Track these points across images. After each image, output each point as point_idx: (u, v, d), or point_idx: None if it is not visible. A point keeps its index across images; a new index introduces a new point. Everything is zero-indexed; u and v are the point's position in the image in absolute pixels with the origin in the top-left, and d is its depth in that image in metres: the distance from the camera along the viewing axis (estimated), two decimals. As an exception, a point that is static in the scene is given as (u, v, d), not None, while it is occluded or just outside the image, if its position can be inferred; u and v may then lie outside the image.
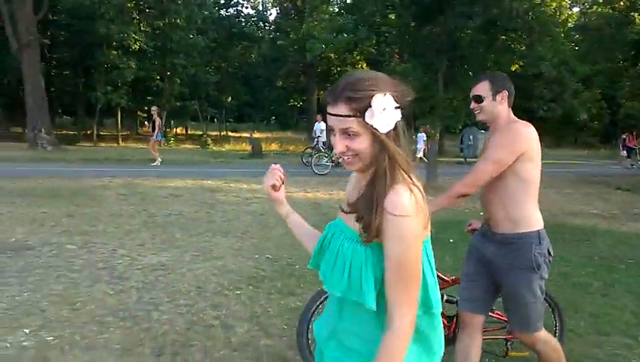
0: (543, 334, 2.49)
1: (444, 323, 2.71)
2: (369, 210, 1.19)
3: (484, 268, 2.49)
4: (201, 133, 31.62)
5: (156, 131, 14.22)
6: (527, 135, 2.31)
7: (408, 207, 1.17)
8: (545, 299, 2.72)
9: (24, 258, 4.80)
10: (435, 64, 9.40)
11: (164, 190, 9.46)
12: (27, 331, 3.27)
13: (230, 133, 35.42)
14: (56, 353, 3.01)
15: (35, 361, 2.91)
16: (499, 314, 2.91)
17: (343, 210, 1.31)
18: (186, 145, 25.08)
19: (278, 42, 36.41)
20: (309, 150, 16.90)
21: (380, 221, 1.18)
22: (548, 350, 2.49)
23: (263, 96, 41.39)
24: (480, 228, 2.59)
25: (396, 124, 1.21)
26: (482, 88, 2.43)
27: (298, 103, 40.31)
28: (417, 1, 9.33)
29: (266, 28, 38.94)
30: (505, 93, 2.42)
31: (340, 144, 1.22)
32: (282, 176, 1.53)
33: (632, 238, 7.39)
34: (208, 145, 23.34)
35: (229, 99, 34.30)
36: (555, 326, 3.02)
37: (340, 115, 1.20)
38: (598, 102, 28.88)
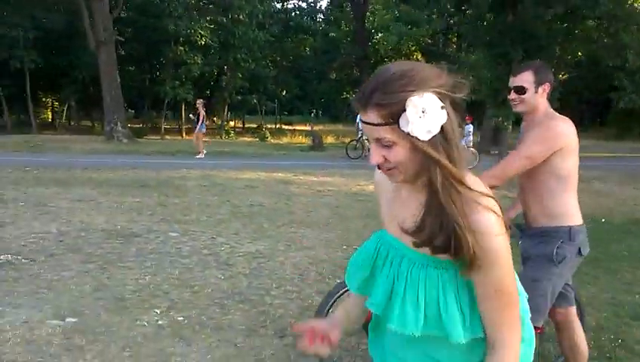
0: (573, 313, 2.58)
1: None
2: (448, 233, 1.01)
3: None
4: (255, 125, 32.34)
5: (199, 123, 14.34)
6: (565, 130, 2.27)
7: (495, 225, 1.02)
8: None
9: (134, 244, 5.20)
10: (510, 54, 9.27)
11: (240, 182, 9.83)
12: (158, 311, 3.58)
13: (284, 126, 35.95)
14: (189, 332, 3.29)
15: (172, 338, 3.20)
16: None
17: (405, 231, 1.08)
18: (244, 138, 25.70)
19: (330, 34, 36.75)
20: (353, 143, 16.66)
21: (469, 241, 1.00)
22: (579, 340, 2.59)
23: (314, 89, 41.77)
24: (520, 224, 2.57)
25: (443, 126, 0.99)
26: (526, 79, 2.35)
27: (351, 96, 40.29)
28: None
29: (319, 20, 39.12)
30: (547, 85, 2.36)
31: (375, 154, 1.05)
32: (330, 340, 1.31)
33: None
34: (266, 137, 23.85)
35: (284, 92, 34.82)
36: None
37: (371, 124, 1.01)
38: None
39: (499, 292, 1.05)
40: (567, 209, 2.33)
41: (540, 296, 2.30)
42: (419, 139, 0.98)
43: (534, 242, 2.39)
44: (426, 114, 0.98)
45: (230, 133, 25.35)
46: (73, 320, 3.36)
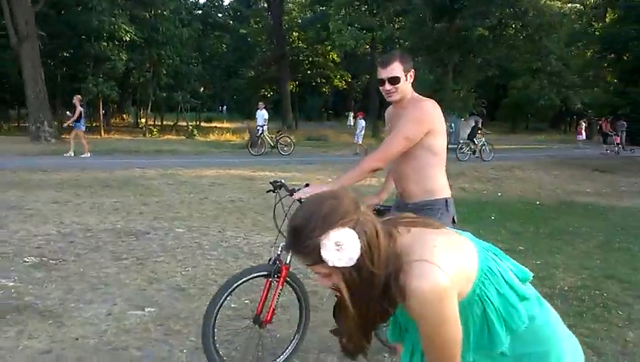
0: None
1: None
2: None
3: None
4: (172, 123, 31.56)
5: (76, 120, 13.27)
6: (435, 111, 2.41)
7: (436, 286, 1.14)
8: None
9: (151, 241, 5.30)
10: (446, 59, 10.30)
11: (205, 179, 9.92)
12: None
13: (203, 124, 35.38)
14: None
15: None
16: None
17: None
18: (170, 136, 25.06)
19: (241, 31, 36.86)
20: (254, 139, 16.38)
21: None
22: None
23: (228, 86, 41.65)
24: (396, 201, 2.68)
25: (358, 253, 1.10)
26: (396, 69, 2.42)
27: (269, 93, 40.64)
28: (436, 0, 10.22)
29: (238, 16, 39.00)
30: (413, 71, 2.52)
31: (322, 282, 1.19)
32: None
33: (634, 212, 8.55)
34: (194, 135, 23.49)
35: (201, 89, 34.31)
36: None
37: (306, 265, 1.16)
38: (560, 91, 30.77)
39: (432, 340, 1.18)
40: (442, 184, 2.49)
41: None
42: (346, 267, 1.10)
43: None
44: (342, 246, 1.08)
45: (153, 132, 24.57)
46: (152, 309, 3.55)
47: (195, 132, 23.96)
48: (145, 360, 2.66)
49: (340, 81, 39.62)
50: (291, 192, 2.59)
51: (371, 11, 10.78)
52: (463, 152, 16.64)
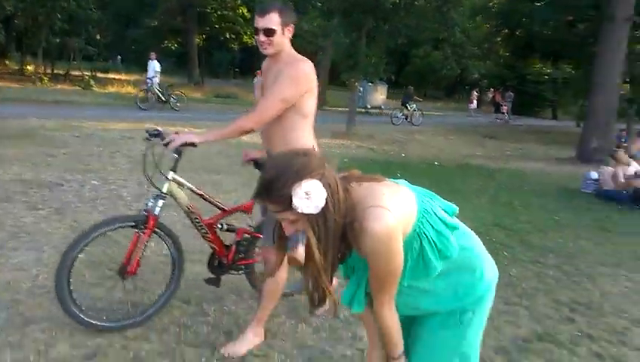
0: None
1: (222, 252, 2.87)
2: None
3: None
4: (63, 72, 29.07)
5: None
6: (311, 72, 2.36)
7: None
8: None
9: (66, 192, 5.14)
10: (361, 22, 10.62)
11: (113, 132, 9.50)
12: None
13: (99, 75, 32.98)
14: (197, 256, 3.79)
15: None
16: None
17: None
18: (64, 86, 23.13)
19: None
20: (142, 92, 15.58)
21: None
22: (279, 278, 2.59)
23: (128, 36, 38.91)
24: (261, 160, 2.66)
25: (324, 200, 1.25)
26: (273, 20, 2.32)
27: (173, 45, 38.64)
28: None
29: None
30: (291, 27, 2.41)
31: (287, 228, 1.34)
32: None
33: (517, 173, 9.70)
34: (92, 86, 21.92)
35: (97, 36, 31.75)
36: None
37: (274, 212, 1.30)
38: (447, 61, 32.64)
39: (378, 273, 1.39)
40: (309, 143, 2.45)
41: None
42: (312, 215, 1.26)
43: None
44: (310, 195, 1.24)
45: (44, 80, 22.50)
46: (82, 255, 3.56)
47: (92, 83, 22.32)
48: (81, 300, 2.72)
49: (250, 38, 38.62)
50: (166, 142, 2.52)
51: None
52: (397, 117, 17.77)
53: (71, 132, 9.01)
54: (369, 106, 20.43)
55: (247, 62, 51.48)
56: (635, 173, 7.55)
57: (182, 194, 2.72)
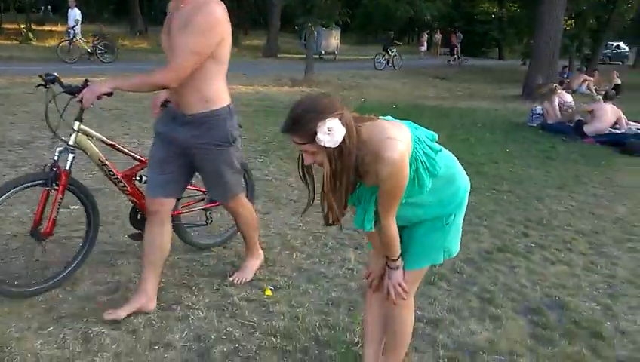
0: (243, 198, 2.75)
1: (143, 204, 2.67)
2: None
3: (177, 152, 2.41)
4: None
5: None
6: (224, 17, 2.21)
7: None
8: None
9: (41, 149, 5.17)
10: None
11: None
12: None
13: (35, 27, 30.89)
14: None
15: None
16: (196, 187, 3.00)
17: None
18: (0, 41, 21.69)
19: None
20: (64, 44, 14.61)
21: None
22: (246, 212, 2.76)
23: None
24: (167, 112, 2.48)
25: (342, 137, 1.49)
26: None
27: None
28: None
29: None
30: None
31: (307, 159, 1.58)
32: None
33: (469, 111, 10.23)
34: (30, 39, 20.67)
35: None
36: (247, 187, 3.22)
37: (298, 143, 1.54)
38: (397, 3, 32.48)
39: (389, 193, 1.67)
40: (222, 91, 2.36)
41: (230, 175, 2.52)
42: (331, 148, 1.50)
43: (199, 131, 2.34)
44: (332, 131, 1.47)
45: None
46: (77, 206, 3.73)
47: (31, 36, 21.03)
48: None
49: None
50: (70, 90, 2.41)
51: None
52: (379, 62, 18.47)
53: (25, 88, 8.72)
54: (323, 52, 20.39)
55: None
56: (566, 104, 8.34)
57: (91, 146, 2.57)
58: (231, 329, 2.40)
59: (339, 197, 1.64)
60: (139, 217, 2.85)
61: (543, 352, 2.39)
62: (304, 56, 20.59)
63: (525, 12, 22.38)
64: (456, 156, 1.93)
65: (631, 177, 5.70)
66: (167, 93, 2.47)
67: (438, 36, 30.81)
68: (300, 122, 1.51)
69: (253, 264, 2.91)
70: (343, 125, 1.51)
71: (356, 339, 2.36)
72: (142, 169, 2.78)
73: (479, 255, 3.41)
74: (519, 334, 2.53)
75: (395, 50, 19.43)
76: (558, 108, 8.43)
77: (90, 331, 2.30)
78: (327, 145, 1.49)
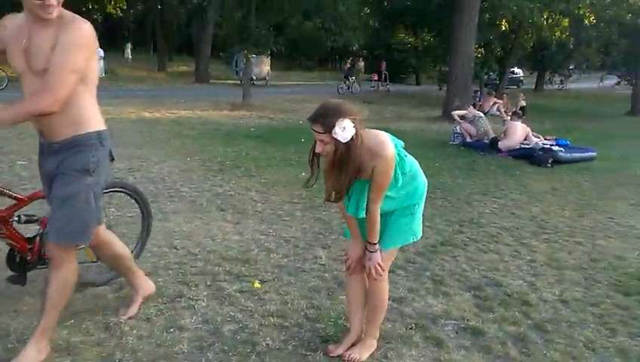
0: (74, 255, 2.24)
1: (24, 247, 2.55)
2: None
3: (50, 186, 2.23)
4: None
5: None
6: (93, 33, 2.09)
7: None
8: (124, 191, 2.99)
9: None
10: (251, 1, 11.16)
11: None
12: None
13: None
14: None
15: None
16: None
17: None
18: None
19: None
20: None
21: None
22: (67, 274, 2.21)
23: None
24: (40, 145, 2.28)
25: (351, 136, 1.96)
26: None
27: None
28: None
29: None
30: None
31: (319, 147, 2.03)
32: None
33: (398, 132, 11.09)
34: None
35: None
36: (143, 214, 3.13)
37: (317, 132, 1.99)
38: (318, 31, 33.68)
39: (381, 187, 2.15)
40: (93, 113, 2.21)
41: (83, 210, 2.16)
42: (341, 142, 1.97)
43: (62, 157, 2.16)
44: (345, 129, 1.94)
45: None
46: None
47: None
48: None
49: (115, 9, 36.24)
50: None
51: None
52: (341, 87, 21.20)
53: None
54: (255, 78, 20.96)
55: (110, 34, 47.90)
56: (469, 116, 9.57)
57: None
58: (232, 313, 2.79)
59: (342, 184, 2.09)
60: (18, 260, 2.61)
61: (486, 317, 2.98)
62: (235, 81, 21.10)
63: (439, 41, 24.36)
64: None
65: (540, 184, 6.66)
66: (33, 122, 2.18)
67: (361, 64, 32.39)
68: (324, 116, 1.97)
69: (35, 357, 2.19)
70: (354, 127, 1.98)
71: (339, 315, 2.84)
72: (20, 208, 2.56)
73: (427, 249, 4.01)
74: (466, 305, 3.12)
75: (354, 77, 22.21)
76: (474, 128, 9.49)
77: (109, 321, 2.59)
78: (338, 139, 1.95)
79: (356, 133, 1.99)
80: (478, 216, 5.02)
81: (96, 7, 35.47)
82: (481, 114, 10.03)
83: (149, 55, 35.17)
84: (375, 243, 2.30)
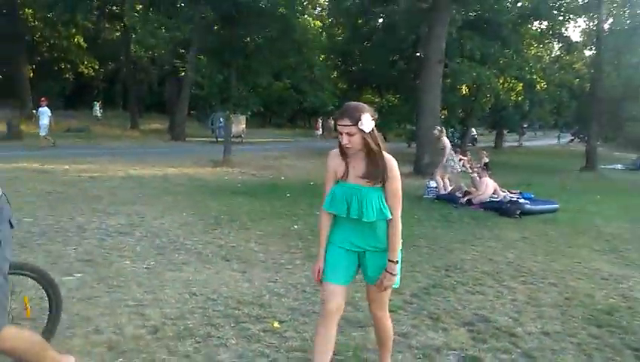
0: (9, 331, 2.10)
1: None
2: (380, 173, 2.39)
3: None
4: None
5: None
6: None
7: (395, 165, 2.41)
8: (27, 275, 2.63)
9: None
10: (231, 62, 11.77)
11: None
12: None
13: None
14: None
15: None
16: None
17: (360, 177, 2.42)
18: None
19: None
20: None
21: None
22: (19, 343, 2.14)
23: None
24: None
25: (373, 128, 2.33)
26: None
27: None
28: (217, 8, 11.38)
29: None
30: None
31: (344, 140, 2.34)
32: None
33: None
34: None
35: None
36: (50, 301, 2.80)
37: (345, 125, 2.33)
38: (287, 91, 35.15)
39: (397, 191, 2.45)
40: None
41: None
42: (365, 132, 2.32)
43: None
44: (368, 121, 2.31)
45: None
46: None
47: None
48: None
49: (87, 68, 36.77)
50: None
51: (168, 14, 11.57)
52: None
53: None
54: (231, 135, 21.64)
55: (79, 93, 48.19)
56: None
57: None
58: (261, 349, 3.10)
59: (376, 168, 2.40)
60: None
61: (481, 347, 3.39)
62: (209, 139, 21.57)
63: (402, 101, 25.94)
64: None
65: (511, 233, 7.25)
66: None
67: (331, 121, 33.72)
68: (350, 111, 2.35)
69: None
70: (373, 120, 2.36)
71: (355, 348, 3.19)
72: None
73: (421, 291, 4.42)
74: (463, 338, 3.52)
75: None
76: (447, 183, 10.19)
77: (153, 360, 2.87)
78: (364, 129, 2.32)
79: (374, 125, 2.38)
80: (461, 262, 5.49)
81: (69, 66, 36.09)
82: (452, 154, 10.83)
83: (118, 112, 35.51)
84: (395, 262, 2.50)
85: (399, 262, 2.53)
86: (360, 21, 20.55)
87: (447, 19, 14.93)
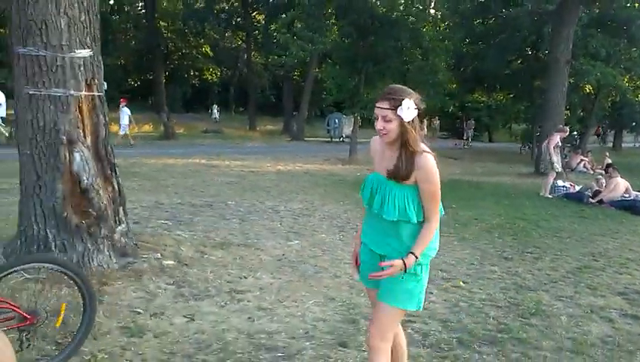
0: None
1: None
2: (402, 171, 2.07)
3: None
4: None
5: None
6: None
7: (433, 162, 2.08)
8: (63, 272, 2.68)
9: (225, 209, 6.96)
10: (361, 70, 13.15)
11: (173, 167, 11.19)
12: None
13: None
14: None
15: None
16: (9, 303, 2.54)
17: (388, 172, 2.11)
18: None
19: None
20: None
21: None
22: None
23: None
24: None
25: (414, 117, 2.03)
26: None
27: (136, 82, 39.62)
28: (355, 21, 12.82)
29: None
30: None
31: (380, 125, 2.05)
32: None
33: (498, 184, 12.28)
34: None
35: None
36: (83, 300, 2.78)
37: (382, 108, 2.04)
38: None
39: (434, 194, 2.12)
40: None
41: None
42: (404, 120, 2.02)
43: None
44: (409, 109, 2.01)
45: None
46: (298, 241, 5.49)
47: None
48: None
49: (212, 75, 40.56)
50: None
51: (312, 26, 13.18)
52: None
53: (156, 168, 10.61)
54: (344, 136, 23.07)
55: (198, 97, 52.54)
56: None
57: None
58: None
59: (399, 165, 2.11)
60: None
61: (637, 310, 4.13)
62: (324, 138, 23.13)
63: (511, 101, 25.63)
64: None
65: (648, 230, 7.63)
66: None
67: (437, 122, 33.93)
68: (397, 93, 2.07)
69: None
70: (416, 109, 2.07)
71: None
72: None
73: (574, 270, 5.21)
74: (621, 303, 4.28)
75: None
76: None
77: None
78: (403, 116, 2.02)
79: (417, 115, 2.09)
80: (605, 250, 6.11)
81: (196, 73, 40.02)
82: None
83: (232, 115, 38.51)
84: (416, 257, 2.15)
85: (420, 270, 2.20)
86: (477, 22, 20.88)
87: (576, 20, 14.98)
